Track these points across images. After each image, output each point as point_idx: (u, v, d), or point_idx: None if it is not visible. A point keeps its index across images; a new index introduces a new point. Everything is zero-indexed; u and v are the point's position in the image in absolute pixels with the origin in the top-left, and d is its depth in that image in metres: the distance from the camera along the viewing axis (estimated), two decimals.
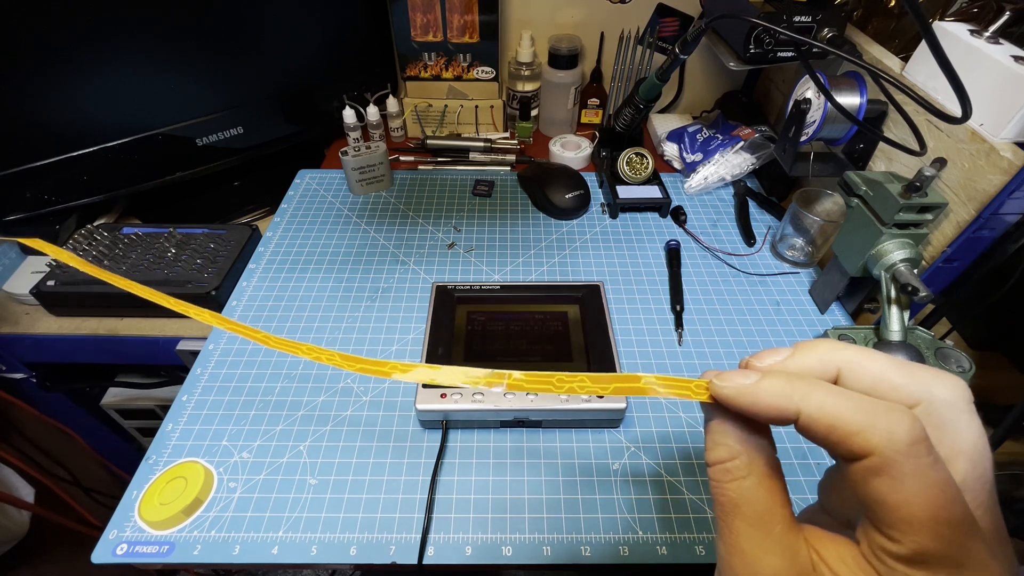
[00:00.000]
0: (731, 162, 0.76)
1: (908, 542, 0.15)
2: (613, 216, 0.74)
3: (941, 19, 0.57)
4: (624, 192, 0.73)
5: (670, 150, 0.83)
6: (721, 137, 0.77)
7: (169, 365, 0.69)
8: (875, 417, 0.16)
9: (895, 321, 0.50)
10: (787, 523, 0.18)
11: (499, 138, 0.88)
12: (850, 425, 0.16)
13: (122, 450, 0.87)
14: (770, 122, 0.83)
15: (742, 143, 0.75)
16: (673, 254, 0.66)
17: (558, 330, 0.54)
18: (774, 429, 0.20)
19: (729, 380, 0.19)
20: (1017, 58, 0.47)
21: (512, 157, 0.84)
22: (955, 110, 0.40)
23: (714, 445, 0.19)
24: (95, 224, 0.69)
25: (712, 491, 0.19)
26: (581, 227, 0.72)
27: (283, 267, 0.65)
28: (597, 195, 0.77)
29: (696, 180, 0.76)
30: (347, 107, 0.80)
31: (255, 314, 0.59)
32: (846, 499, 0.20)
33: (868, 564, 0.16)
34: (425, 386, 0.47)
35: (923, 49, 0.56)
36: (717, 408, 0.19)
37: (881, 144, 0.60)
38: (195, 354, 0.55)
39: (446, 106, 0.87)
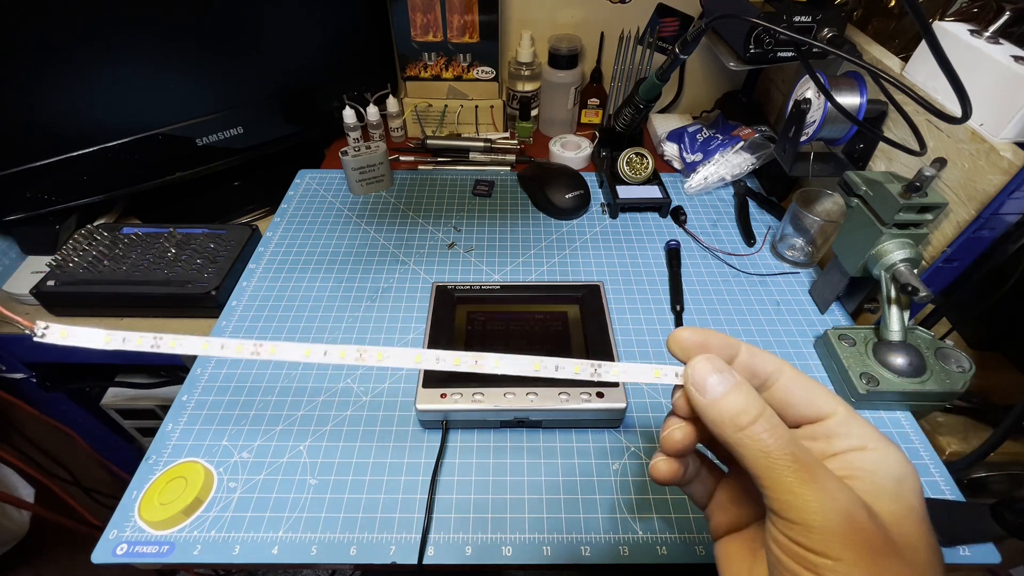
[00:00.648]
0: (731, 162, 0.76)
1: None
2: (613, 216, 0.74)
3: (941, 19, 0.57)
4: (624, 192, 0.73)
5: (670, 150, 0.83)
6: (721, 137, 0.77)
7: (169, 365, 0.69)
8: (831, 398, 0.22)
9: (895, 321, 0.50)
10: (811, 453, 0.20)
11: (499, 138, 0.88)
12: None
13: (122, 450, 0.87)
14: (770, 122, 0.83)
15: (742, 143, 0.75)
16: (673, 254, 0.66)
17: (558, 330, 0.54)
18: None
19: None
20: (1017, 58, 0.47)
21: (512, 157, 0.84)
22: (955, 110, 0.40)
23: (739, 405, 0.20)
24: (95, 224, 0.69)
25: (767, 448, 0.19)
26: (581, 227, 0.72)
27: (283, 267, 0.65)
28: (597, 195, 0.77)
29: (696, 180, 0.76)
30: (347, 107, 0.80)
31: (255, 314, 0.59)
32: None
33: None
34: (425, 387, 0.47)
35: (923, 49, 0.56)
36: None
37: (881, 144, 0.60)
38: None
39: (446, 106, 0.87)
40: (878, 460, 0.20)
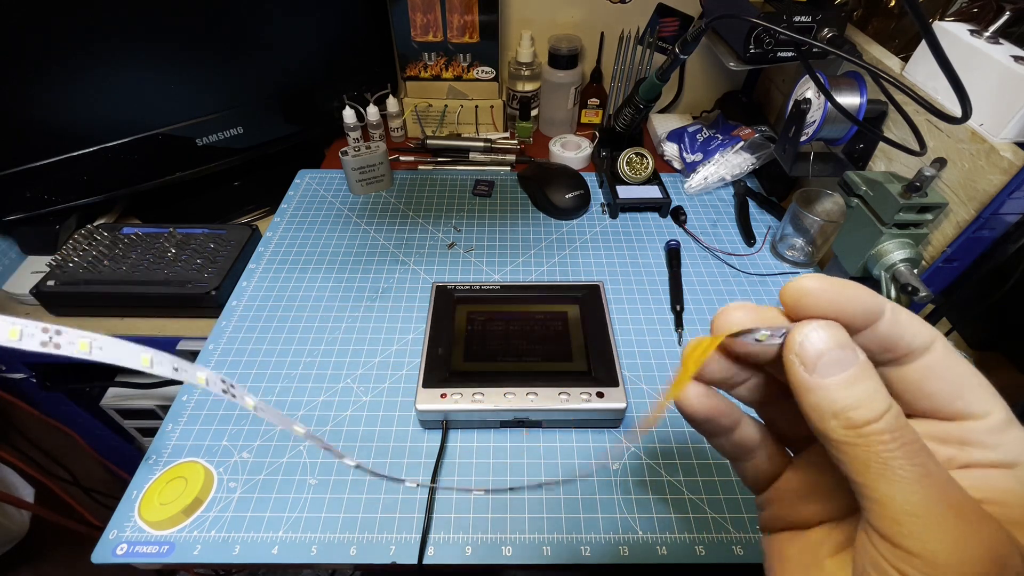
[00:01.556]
0: (731, 162, 0.76)
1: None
2: (613, 216, 0.74)
3: (941, 19, 0.57)
4: (624, 192, 0.73)
5: (670, 150, 0.83)
6: (721, 137, 0.77)
7: None
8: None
9: None
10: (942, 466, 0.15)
11: (499, 138, 0.88)
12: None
13: (122, 450, 0.87)
14: (770, 122, 0.83)
15: (742, 143, 0.75)
16: (673, 254, 0.66)
17: (558, 330, 0.54)
18: None
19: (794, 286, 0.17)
20: (1017, 58, 0.47)
21: (512, 157, 0.84)
22: (955, 110, 0.40)
23: (864, 392, 0.15)
24: (95, 224, 0.69)
25: (888, 449, 0.15)
26: (581, 227, 0.72)
27: (283, 267, 0.65)
28: (597, 195, 0.77)
29: (696, 180, 0.76)
30: (347, 107, 0.80)
31: (255, 314, 0.59)
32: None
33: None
34: (425, 387, 0.47)
35: (923, 49, 0.56)
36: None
37: (881, 144, 0.60)
38: (195, 354, 0.55)
39: (446, 106, 0.87)
40: None
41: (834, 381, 0.15)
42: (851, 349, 0.16)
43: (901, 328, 0.16)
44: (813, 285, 0.16)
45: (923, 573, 0.14)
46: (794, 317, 0.17)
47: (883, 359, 0.17)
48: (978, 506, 0.15)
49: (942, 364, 0.16)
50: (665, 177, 0.77)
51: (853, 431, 0.15)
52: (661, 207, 0.73)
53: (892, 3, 0.70)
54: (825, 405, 0.15)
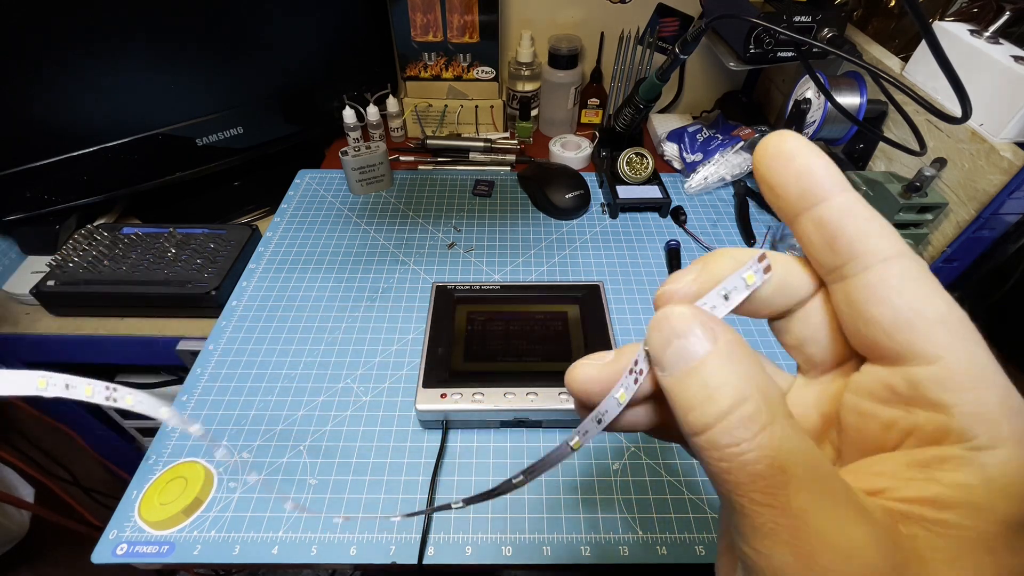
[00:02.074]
0: (731, 162, 0.76)
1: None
2: (613, 216, 0.74)
3: (941, 19, 0.57)
4: (624, 192, 0.73)
5: (670, 150, 0.83)
6: (721, 137, 0.77)
7: (169, 365, 0.69)
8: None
9: None
10: (835, 474, 0.11)
11: (499, 138, 0.88)
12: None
13: (122, 450, 0.87)
14: (770, 122, 0.83)
15: (742, 143, 0.75)
16: (673, 254, 0.66)
17: (558, 330, 0.54)
18: None
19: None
20: (1017, 58, 0.47)
21: (512, 157, 0.84)
22: (955, 110, 0.40)
23: (703, 390, 0.12)
24: (95, 224, 0.69)
25: (725, 470, 0.11)
26: (581, 227, 0.72)
27: (283, 267, 0.65)
28: (597, 195, 0.77)
29: (696, 180, 0.76)
30: (347, 107, 0.80)
31: (255, 314, 0.59)
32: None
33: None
34: (425, 387, 0.47)
35: (923, 49, 0.56)
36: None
37: (881, 144, 0.60)
38: (195, 354, 0.55)
39: (446, 106, 0.87)
40: (1009, 477, 0.11)
41: (686, 369, 0.12)
42: (712, 327, 0.13)
43: (853, 223, 0.13)
44: (671, 286, 0.15)
45: None
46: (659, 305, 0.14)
47: (828, 262, 0.13)
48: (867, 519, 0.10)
49: (893, 281, 0.12)
50: (665, 177, 0.77)
51: (701, 437, 0.12)
52: (661, 207, 0.73)
53: (892, 3, 0.70)
54: (676, 403, 0.12)
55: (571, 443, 0.15)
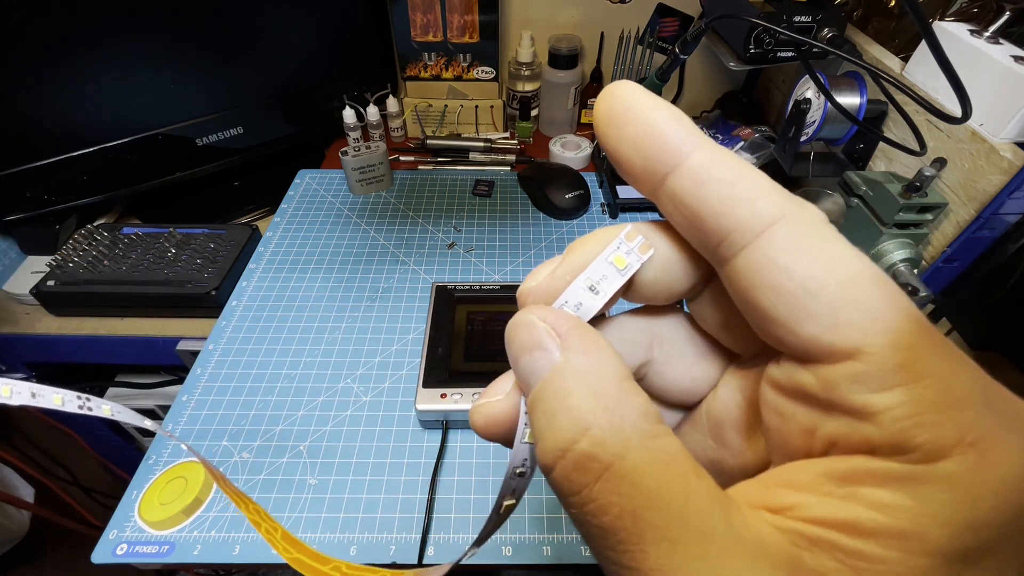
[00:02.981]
0: None
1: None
2: (613, 216, 0.74)
3: (941, 19, 0.57)
4: (624, 192, 0.73)
5: None
6: (721, 137, 0.77)
7: (169, 365, 0.69)
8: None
9: None
10: (716, 494, 0.09)
11: (499, 138, 0.88)
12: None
13: (122, 450, 0.87)
14: (770, 122, 0.83)
15: (742, 143, 0.75)
16: None
17: None
18: None
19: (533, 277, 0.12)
20: (1017, 58, 0.47)
21: (512, 157, 0.84)
22: (955, 110, 0.40)
23: (544, 417, 0.10)
24: (95, 224, 0.69)
25: (576, 521, 0.09)
26: (581, 227, 0.72)
27: (283, 267, 0.65)
28: (597, 195, 0.77)
29: None
30: (347, 107, 0.80)
31: (255, 314, 0.59)
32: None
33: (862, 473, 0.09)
34: (425, 387, 0.47)
35: (923, 49, 0.56)
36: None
37: (881, 144, 0.60)
38: (195, 354, 0.55)
39: (446, 106, 0.87)
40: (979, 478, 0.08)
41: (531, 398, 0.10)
42: (547, 343, 0.11)
43: (714, 191, 0.10)
44: (527, 283, 0.13)
45: None
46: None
47: (701, 245, 0.11)
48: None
49: (779, 258, 0.09)
50: None
51: (551, 475, 0.10)
52: None
53: (892, 3, 0.70)
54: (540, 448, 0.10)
55: (505, 503, 0.12)
